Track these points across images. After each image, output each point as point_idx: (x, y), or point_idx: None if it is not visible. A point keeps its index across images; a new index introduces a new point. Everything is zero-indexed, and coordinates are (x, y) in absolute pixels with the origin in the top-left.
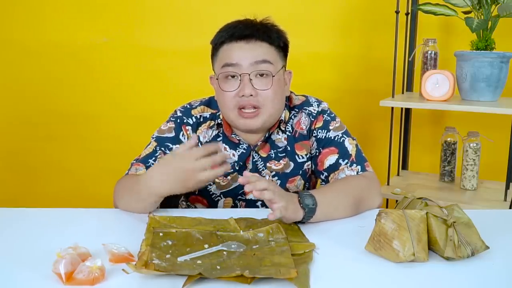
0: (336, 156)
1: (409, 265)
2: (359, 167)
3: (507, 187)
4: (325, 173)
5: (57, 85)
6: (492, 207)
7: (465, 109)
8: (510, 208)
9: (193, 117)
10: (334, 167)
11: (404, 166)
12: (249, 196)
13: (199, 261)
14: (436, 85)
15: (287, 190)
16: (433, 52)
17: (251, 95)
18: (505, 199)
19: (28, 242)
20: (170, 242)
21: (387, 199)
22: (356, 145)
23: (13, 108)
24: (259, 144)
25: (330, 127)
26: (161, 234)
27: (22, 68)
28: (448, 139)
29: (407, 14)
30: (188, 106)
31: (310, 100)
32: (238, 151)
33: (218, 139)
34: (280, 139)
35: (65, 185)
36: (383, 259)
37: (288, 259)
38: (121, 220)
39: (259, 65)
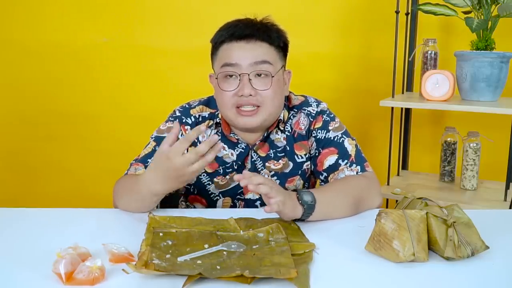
0: (335, 157)
1: (409, 265)
2: (358, 167)
3: (507, 187)
4: (325, 174)
5: (57, 85)
6: (492, 207)
7: (465, 109)
8: (510, 208)
9: (192, 117)
10: (334, 167)
11: (404, 166)
12: (248, 196)
13: (199, 261)
14: (436, 85)
15: (286, 189)
16: (433, 52)
17: (251, 95)
18: (505, 199)
19: (28, 242)
20: (170, 242)
21: (387, 199)
22: (356, 145)
23: (13, 108)
24: (257, 143)
25: (330, 128)
26: (161, 234)
27: (22, 68)
28: (448, 139)
29: (407, 14)
30: (187, 106)
31: (309, 101)
32: (237, 151)
33: None
34: (279, 139)
35: (65, 185)
36: (383, 259)
37: (288, 259)
38: (121, 220)
39: (259, 66)
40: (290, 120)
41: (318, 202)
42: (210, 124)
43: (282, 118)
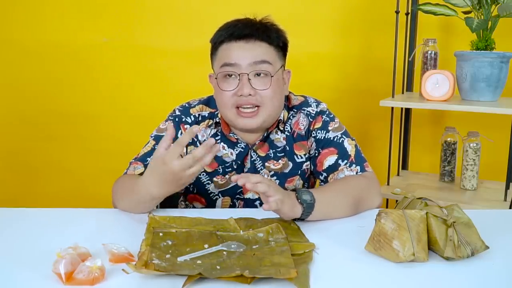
0: (335, 157)
1: (409, 265)
2: (358, 167)
3: (507, 187)
4: (324, 174)
5: (57, 85)
6: (492, 207)
7: (465, 109)
8: (510, 208)
9: (192, 116)
10: (334, 167)
11: (404, 166)
12: (248, 195)
13: (199, 261)
14: (436, 85)
15: (285, 189)
16: (433, 52)
17: (250, 95)
18: (505, 199)
19: (28, 242)
20: (170, 242)
21: (387, 199)
22: (356, 146)
23: (13, 108)
24: (257, 143)
25: (329, 128)
26: (161, 234)
27: (22, 68)
28: (448, 139)
29: (407, 14)
30: (187, 105)
31: (309, 101)
32: (236, 150)
33: (216, 138)
34: (279, 138)
35: (65, 185)
36: (383, 259)
37: (288, 259)
38: (121, 220)
39: (258, 65)
40: (290, 120)
41: (317, 201)
42: (209, 123)
43: (282, 118)
